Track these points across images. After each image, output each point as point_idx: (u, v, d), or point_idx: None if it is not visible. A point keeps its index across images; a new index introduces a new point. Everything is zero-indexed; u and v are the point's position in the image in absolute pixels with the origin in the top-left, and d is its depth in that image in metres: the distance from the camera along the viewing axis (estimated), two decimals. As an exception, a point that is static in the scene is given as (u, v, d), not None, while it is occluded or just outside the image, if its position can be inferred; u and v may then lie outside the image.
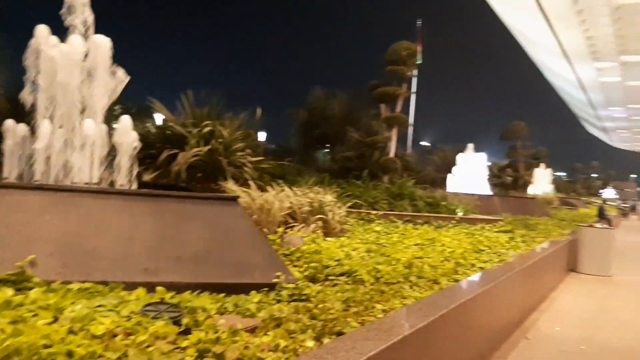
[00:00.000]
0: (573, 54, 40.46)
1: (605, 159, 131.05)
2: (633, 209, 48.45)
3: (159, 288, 4.18)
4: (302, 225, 8.85)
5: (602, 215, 24.34)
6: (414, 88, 23.51)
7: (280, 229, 7.91)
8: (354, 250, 7.36)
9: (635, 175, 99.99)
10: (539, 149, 42.83)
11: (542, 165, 41.21)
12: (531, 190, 37.86)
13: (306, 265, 6.06)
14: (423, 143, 41.67)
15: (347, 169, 17.97)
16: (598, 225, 15.00)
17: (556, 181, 48.97)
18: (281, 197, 8.88)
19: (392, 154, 17.92)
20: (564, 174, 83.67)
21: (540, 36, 37.71)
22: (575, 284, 10.67)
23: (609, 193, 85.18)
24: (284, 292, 4.74)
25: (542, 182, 38.93)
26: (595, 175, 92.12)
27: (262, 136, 27.01)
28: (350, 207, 11.03)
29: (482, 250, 8.64)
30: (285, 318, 3.90)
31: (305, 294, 4.75)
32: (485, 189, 23.69)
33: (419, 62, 24.56)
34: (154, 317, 3.46)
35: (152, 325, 3.24)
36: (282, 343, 3.37)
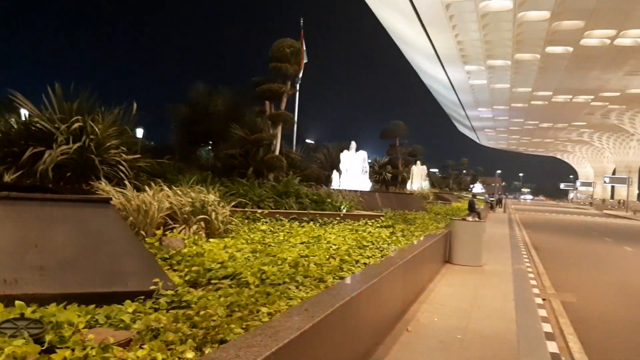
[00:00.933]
0: (445, 57, 42.99)
1: (474, 156, 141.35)
2: (499, 202, 52.51)
3: (18, 302, 3.72)
4: (183, 226, 8.47)
5: (472, 209, 26.09)
6: (299, 86, 23.62)
7: (159, 232, 7.50)
8: (238, 251, 7.15)
9: (500, 171, 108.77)
10: (416, 147, 45.12)
11: (419, 162, 43.45)
12: (409, 186, 39.80)
13: (187, 269, 5.76)
14: (308, 141, 42.17)
15: (232, 167, 17.64)
16: (469, 218, 15.98)
17: (431, 177, 51.87)
18: (160, 198, 8.42)
19: (277, 151, 17.86)
20: (437, 170, 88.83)
21: (416, 39, 39.65)
22: (450, 274, 11.24)
23: (478, 188, 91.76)
24: (162, 300, 4.43)
25: (419, 178, 41.06)
26: (465, 171, 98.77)
27: (139, 133, 25.77)
28: (234, 206, 10.77)
29: (366, 246, 8.81)
30: (163, 328, 3.64)
31: (185, 301, 4.49)
32: (367, 186, 24.47)
33: (305, 61, 24.73)
34: (12, 335, 3.11)
35: (9, 345, 2.90)
36: (159, 356, 3.14)
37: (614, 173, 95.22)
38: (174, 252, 6.55)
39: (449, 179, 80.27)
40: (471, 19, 32.98)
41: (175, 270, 5.80)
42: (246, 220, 10.80)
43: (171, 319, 3.83)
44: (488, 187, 71.18)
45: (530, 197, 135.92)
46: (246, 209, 11.85)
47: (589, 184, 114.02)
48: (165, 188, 9.28)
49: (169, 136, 28.06)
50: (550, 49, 38.96)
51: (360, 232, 10.77)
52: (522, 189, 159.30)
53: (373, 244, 9.24)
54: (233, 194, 12.17)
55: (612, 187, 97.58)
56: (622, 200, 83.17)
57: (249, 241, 8.31)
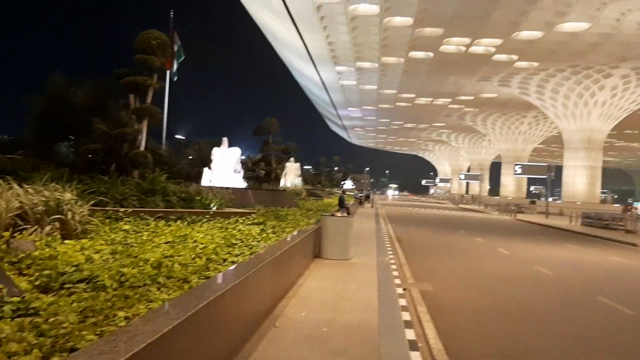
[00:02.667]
0: (317, 57, 43.94)
1: (346, 153, 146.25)
2: (367, 197, 54.80)
3: None
4: (35, 227, 7.82)
5: (342, 205, 26.94)
6: (174, 81, 22.81)
7: (7, 233, 6.85)
8: (96, 252, 6.73)
9: (368, 168, 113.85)
10: (289, 144, 45.64)
11: (292, 159, 43.98)
12: (282, 182, 40.17)
13: (38, 274, 5.32)
14: (178, 136, 40.90)
15: (93, 164, 16.59)
16: (339, 214, 16.47)
17: (304, 174, 52.79)
18: (8, 196, 7.69)
19: (142, 147, 17.07)
20: (311, 167, 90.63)
21: (289, 38, 40.08)
22: (319, 269, 11.50)
23: (348, 184, 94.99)
24: (7, 308, 4.05)
25: (291, 175, 41.58)
26: (337, 168, 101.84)
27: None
28: (94, 205, 10.13)
29: (235, 244, 8.73)
30: (6, 338, 3.33)
31: (33, 308, 4.13)
32: (240, 183, 24.30)
33: (182, 57, 23.89)
34: None
35: None
36: (-1, 370, 2.86)
37: (468, 170, 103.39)
38: (23, 255, 6.02)
39: (321, 175, 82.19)
40: (341, 21, 33.99)
41: (24, 275, 5.34)
42: (107, 220, 10.22)
43: (15, 328, 3.51)
44: (358, 183, 74.18)
45: (397, 192, 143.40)
46: (107, 208, 11.21)
47: (447, 180, 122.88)
48: (15, 186, 8.49)
49: (24, 130, 25.73)
50: (414, 54, 41.35)
51: (229, 230, 10.65)
52: (390, 185, 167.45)
53: (242, 241, 9.18)
54: (93, 192, 11.45)
55: (467, 183, 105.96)
56: (475, 195, 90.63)
57: (109, 242, 7.87)
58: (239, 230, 10.83)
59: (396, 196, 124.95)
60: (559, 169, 56.43)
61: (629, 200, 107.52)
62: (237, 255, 7.62)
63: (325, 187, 67.10)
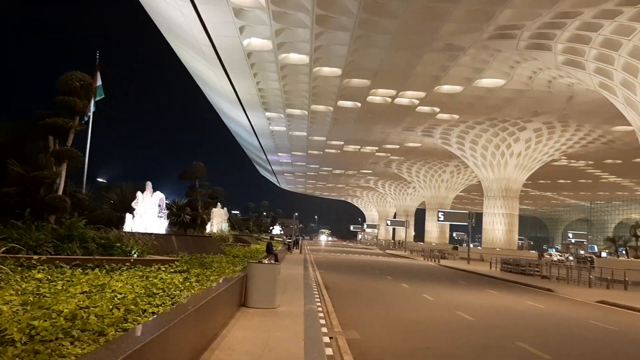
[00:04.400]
0: (247, 103, 44.19)
1: (275, 199, 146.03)
2: (296, 243, 54.66)
3: None
4: (-64, 277, 7.23)
5: (270, 251, 26.70)
6: (91, 122, 22.13)
7: None
8: (5, 304, 6.29)
9: (297, 214, 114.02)
10: (216, 189, 45.11)
11: (219, 204, 43.38)
12: (209, 228, 39.39)
13: None
14: (100, 180, 39.45)
15: (7, 208, 15.68)
16: (266, 260, 16.29)
17: (232, 219, 52.07)
18: None
19: (60, 191, 16.34)
20: (239, 212, 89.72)
21: (219, 83, 40.18)
22: (245, 318, 11.26)
23: (277, 229, 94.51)
24: None
25: (219, 220, 40.92)
26: (265, 213, 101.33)
27: None
28: (5, 252, 9.52)
29: (156, 294, 8.41)
30: None
31: None
32: (164, 228, 23.61)
33: (101, 96, 23.37)
34: None
35: None
36: None
37: (395, 216, 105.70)
38: None
39: (249, 221, 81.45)
40: (271, 69, 34.51)
41: None
42: (19, 268, 9.60)
43: None
44: (286, 228, 74.04)
45: (330, 238, 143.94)
46: (20, 255, 10.56)
47: (374, 226, 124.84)
48: None
49: None
50: (342, 103, 42.44)
51: (151, 279, 10.27)
52: (322, 230, 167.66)
53: (164, 291, 8.87)
54: (4, 238, 10.77)
55: (394, 229, 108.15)
56: (400, 241, 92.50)
57: (19, 292, 7.38)
58: (161, 278, 10.46)
59: (329, 241, 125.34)
60: (479, 216, 58.81)
61: (544, 247, 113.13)
62: (157, 306, 7.34)
63: (254, 232, 66.44)
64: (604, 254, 69.28)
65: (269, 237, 37.19)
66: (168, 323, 5.86)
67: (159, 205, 23.39)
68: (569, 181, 79.77)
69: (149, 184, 23.66)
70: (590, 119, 42.29)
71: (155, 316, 6.50)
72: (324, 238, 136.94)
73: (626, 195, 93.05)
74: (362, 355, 9.08)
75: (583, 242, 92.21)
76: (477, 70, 33.40)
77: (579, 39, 26.65)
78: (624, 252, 60.45)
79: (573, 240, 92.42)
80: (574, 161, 61.71)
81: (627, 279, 26.20)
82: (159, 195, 23.77)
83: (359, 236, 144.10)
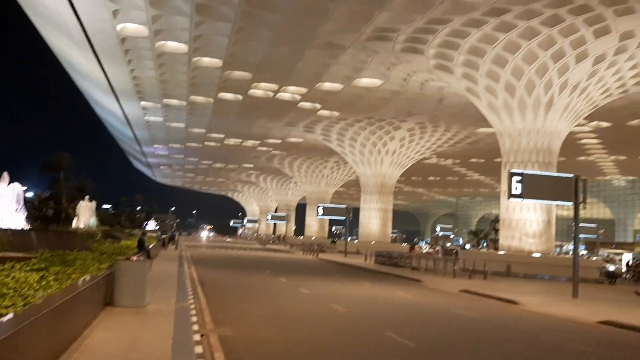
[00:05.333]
0: (121, 91, 41.88)
1: (150, 193, 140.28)
2: (172, 239, 52.86)
3: None
4: None
5: (142, 247, 25.52)
6: None
7: None
8: None
9: (174, 208, 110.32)
10: (85, 182, 42.34)
11: (87, 197, 40.74)
12: (75, 223, 36.83)
13: None
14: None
15: None
16: (135, 257, 15.48)
17: (102, 214, 49.17)
18: None
19: None
20: (110, 206, 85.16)
21: (90, 69, 37.63)
22: (110, 318, 10.58)
23: (151, 225, 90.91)
24: None
25: (86, 215, 38.37)
26: (140, 208, 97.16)
27: None
28: None
29: (6, 294, 7.59)
30: None
31: None
32: (22, 223, 21.65)
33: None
34: None
35: None
36: None
37: (276, 211, 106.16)
38: None
39: (121, 216, 77.61)
40: (147, 57, 32.97)
41: None
42: None
43: None
44: (162, 224, 71.35)
45: (208, 234, 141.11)
46: None
47: (255, 221, 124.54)
48: None
49: None
50: (223, 95, 41.67)
51: (1, 278, 9.28)
52: (204, 226, 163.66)
53: (16, 291, 8.03)
54: None
55: (275, 223, 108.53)
56: (281, 235, 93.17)
57: None
58: (14, 277, 9.49)
59: (210, 237, 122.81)
60: (357, 211, 60.77)
61: (415, 240, 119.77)
62: (7, 307, 6.61)
63: (126, 228, 63.40)
64: (467, 247, 74.73)
65: (141, 233, 35.45)
66: (16, 326, 5.29)
67: (16, 198, 21.40)
68: (438, 178, 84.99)
69: (5, 175, 21.57)
70: (458, 121, 45.27)
71: (1, 318, 5.83)
72: (204, 234, 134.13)
73: (488, 192, 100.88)
74: (234, 350, 8.89)
75: (450, 235, 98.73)
76: (357, 70, 34.35)
77: (449, 45, 28.34)
78: (485, 244, 65.53)
79: (441, 234, 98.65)
80: (442, 159, 65.87)
81: (486, 269, 28.36)
82: (17, 187, 21.74)
83: (240, 231, 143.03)
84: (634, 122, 41.17)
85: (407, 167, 57.03)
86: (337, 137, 53.26)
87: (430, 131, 49.37)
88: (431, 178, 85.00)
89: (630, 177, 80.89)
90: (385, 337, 11.22)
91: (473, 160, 64.11)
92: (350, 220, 55.67)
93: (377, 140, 51.86)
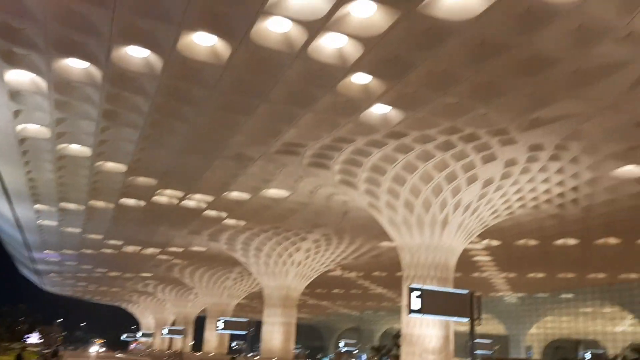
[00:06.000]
0: (14, 192, 39.59)
1: (35, 301, 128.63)
2: (55, 354, 48.11)
3: None
4: None
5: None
6: None
7: None
8: None
9: (61, 319, 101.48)
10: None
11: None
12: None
13: None
14: None
15: None
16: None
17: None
18: None
19: None
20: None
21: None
22: None
23: (34, 337, 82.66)
24: None
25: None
26: (23, 318, 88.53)
27: None
28: None
29: None
30: None
31: None
32: None
33: None
34: None
35: None
36: None
37: (173, 324, 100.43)
38: None
39: (0, 327, 70.25)
40: (47, 159, 31.79)
41: None
42: None
43: None
44: (46, 337, 65.03)
45: (98, 348, 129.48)
46: None
47: (149, 335, 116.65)
48: None
49: None
50: (125, 201, 40.48)
51: None
52: (93, 340, 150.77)
53: None
54: None
55: (171, 338, 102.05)
56: (176, 351, 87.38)
57: None
58: None
59: (101, 352, 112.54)
60: (259, 325, 58.84)
61: (318, 356, 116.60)
62: None
63: (4, 341, 57.17)
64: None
65: (20, 348, 32.03)
66: None
67: None
68: (342, 291, 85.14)
69: None
70: (362, 234, 46.53)
71: None
72: (94, 349, 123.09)
73: (390, 306, 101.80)
74: None
75: (354, 350, 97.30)
76: (265, 181, 34.93)
77: (353, 162, 29.77)
78: (387, 360, 65.22)
79: (344, 349, 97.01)
80: (347, 272, 66.51)
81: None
82: None
83: (132, 346, 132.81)
84: (521, 241, 44.26)
85: (312, 279, 56.88)
86: (242, 246, 52.65)
87: (336, 243, 50.19)
88: (336, 291, 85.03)
89: (520, 294, 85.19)
90: None
91: (376, 273, 65.28)
92: (252, 334, 53.68)
93: (283, 251, 51.77)
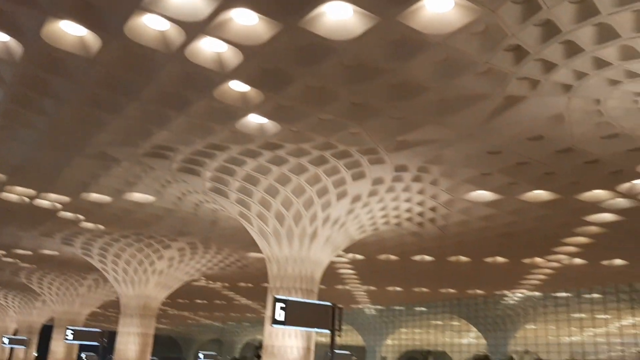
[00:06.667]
0: None
1: None
2: None
3: None
4: None
5: None
6: None
7: None
8: None
9: None
10: None
11: None
12: None
13: None
14: None
15: None
16: None
17: None
18: None
19: None
20: None
21: None
22: None
23: None
24: None
25: None
26: None
27: None
28: None
29: None
30: None
31: None
32: None
33: None
34: None
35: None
36: None
37: (15, 333, 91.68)
38: None
39: None
40: None
41: None
42: None
43: None
44: None
45: None
46: None
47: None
48: None
49: None
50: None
51: None
52: None
53: None
54: None
55: (12, 348, 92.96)
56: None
57: None
58: None
59: None
60: (113, 335, 55.54)
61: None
62: None
63: None
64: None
65: None
66: None
67: None
68: (205, 301, 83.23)
69: None
70: (230, 244, 45.89)
71: None
72: None
73: (254, 317, 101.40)
74: None
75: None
76: (129, 184, 33.17)
77: (226, 170, 29.30)
78: (247, 371, 64.63)
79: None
80: (211, 282, 65.17)
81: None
82: None
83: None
84: (383, 256, 46.33)
85: (174, 289, 54.93)
86: (99, 252, 49.49)
87: (202, 252, 48.99)
88: (198, 301, 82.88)
89: (379, 307, 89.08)
90: None
91: (242, 284, 64.67)
92: (105, 346, 50.52)
93: (144, 258, 49.46)
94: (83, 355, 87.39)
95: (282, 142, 26.03)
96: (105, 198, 36.12)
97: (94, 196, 35.83)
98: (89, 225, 43.05)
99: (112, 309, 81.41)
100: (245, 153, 27.46)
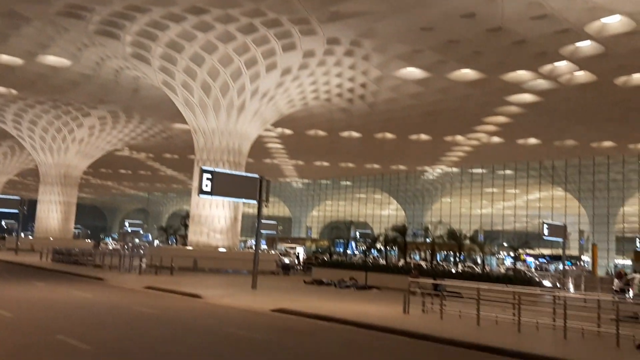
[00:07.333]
0: None
1: None
2: None
3: None
4: None
5: None
6: None
7: None
8: None
9: None
10: None
11: None
12: None
13: None
14: None
15: None
16: None
17: None
18: None
19: None
20: None
21: None
22: None
23: None
24: None
25: None
26: None
27: None
28: None
29: None
30: None
31: None
32: None
33: None
34: None
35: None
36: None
37: None
38: None
39: None
40: None
41: None
42: None
43: None
44: None
45: None
46: None
47: None
48: None
49: None
50: None
51: None
52: None
53: None
54: None
55: None
56: None
57: None
58: None
59: None
60: (34, 204, 54.42)
61: (101, 236, 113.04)
62: None
63: None
64: (156, 242, 74.03)
65: None
66: None
67: None
68: (129, 172, 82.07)
69: None
70: (153, 114, 44.42)
71: None
72: None
73: (180, 188, 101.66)
74: None
75: (139, 230, 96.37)
76: (42, 46, 30.71)
77: (147, 34, 27.53)
78: (174, 240, 65.72)
79: (130, 230, 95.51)
80: (135, 152, 63.82)
81: (173, 265, 28.40)
82: None
83: None
84: (311, 131, 46.66)
85: (96, 158, 53.56)
86: (13, 118, 46.79)
87: (124, 122, 47.32)
88: (122, 171, 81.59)
89: (306, 180, 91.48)
90: (56, 341, 10.12)
91: (167, 155, 63.80)
92: (25, 214, 49.55)
93: (63, 126, 47.34)
94: (3, 223, 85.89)
95: (208, 6, 24.51)
96: (16, 60, 33.33)
97: (4, 57, 32.97)
98: (1, 89, 40.13)
99: (31, 178, 78.92)
100: (168, 17, 25.73)
